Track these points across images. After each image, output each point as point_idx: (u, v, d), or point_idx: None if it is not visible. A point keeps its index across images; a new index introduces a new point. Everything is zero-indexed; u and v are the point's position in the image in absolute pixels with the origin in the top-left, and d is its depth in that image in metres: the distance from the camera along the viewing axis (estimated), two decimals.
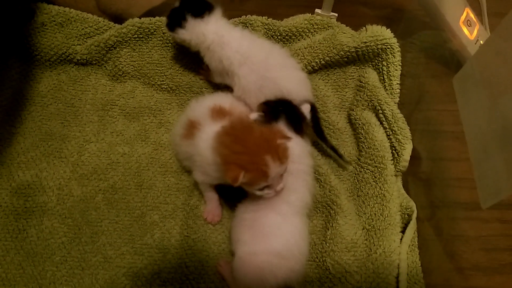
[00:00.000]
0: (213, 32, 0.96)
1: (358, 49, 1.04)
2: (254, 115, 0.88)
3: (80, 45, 1.09)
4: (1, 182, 0.95)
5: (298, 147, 0.87)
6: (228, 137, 0.78)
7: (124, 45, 1.09)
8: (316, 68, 1.09)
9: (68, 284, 0.84)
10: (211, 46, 0.96)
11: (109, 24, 1.11)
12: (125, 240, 0.90)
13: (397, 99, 1.03)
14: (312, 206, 0.90)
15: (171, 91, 1.11)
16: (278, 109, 0.89)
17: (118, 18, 1.12)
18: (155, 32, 1.09)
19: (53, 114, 1.05)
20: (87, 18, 1.10)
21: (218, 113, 0.88)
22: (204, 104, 0.93)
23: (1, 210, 0.91)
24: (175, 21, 0.97)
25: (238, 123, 0.81)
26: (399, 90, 1.03)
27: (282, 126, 0.87)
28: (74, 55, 1.09)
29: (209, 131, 0.83)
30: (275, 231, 0.80)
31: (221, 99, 0.96)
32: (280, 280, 0.77)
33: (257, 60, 0.94)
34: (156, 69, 1.10)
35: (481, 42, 1.06)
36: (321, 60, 1.07)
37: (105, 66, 1.12)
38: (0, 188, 0.94)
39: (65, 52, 1.09)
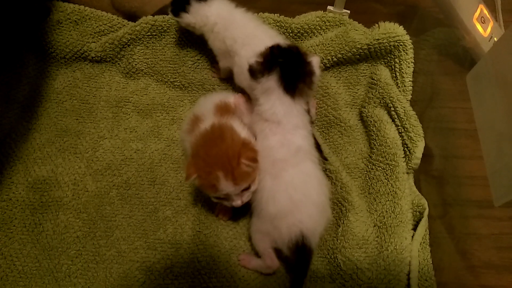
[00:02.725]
0: (216, 14, 0.96)
1: (371, 46, 1.03)
2: (252, 60, 0.83)
3: (94, 42, 1.11)
4: (18, 177, 0.97)
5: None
6: (203, 138, 0.80)
7: (138, 42, 1.10)
8: (328, 65, 1.09)
9: (82, 277, 0.86)
10: (214, 28, 0.97)
11: (123, 22, 1.12)
12: (139, 235, 0.92)
13: (410, 97, 1.02)
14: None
15: (183, 88, 1.12)
16: (277, 60, 0.82)
17: (132, 16, 1.13)
18: (168, 30, 1.10)
19: (68, 110, 1.07)
20: (102, 16, 1.11)
21: (222, 109, 0.88)
22: (210, 100, 0.93)
23: (18, 205, 0.94)
24: (179, 6, 0.98)
25: (217, 129, 0.81)
26: (411, 87, 1.02)
27: (273, 80, 0.81)
28: (88, 53, 1.11)
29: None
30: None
31: (229, 97, 0.96)
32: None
33: (260, 44, 0.92)
34: (169, 67, 1.11)
35: (495, 39, 1.05)
36: (333, 57, 1.07)
37: (119, 64, 1.13)
38: (17, 183, 0.96)
39: (80, 49, 1.10)
